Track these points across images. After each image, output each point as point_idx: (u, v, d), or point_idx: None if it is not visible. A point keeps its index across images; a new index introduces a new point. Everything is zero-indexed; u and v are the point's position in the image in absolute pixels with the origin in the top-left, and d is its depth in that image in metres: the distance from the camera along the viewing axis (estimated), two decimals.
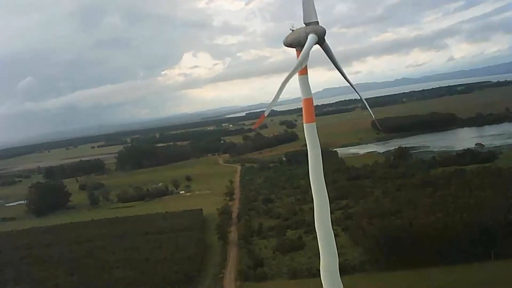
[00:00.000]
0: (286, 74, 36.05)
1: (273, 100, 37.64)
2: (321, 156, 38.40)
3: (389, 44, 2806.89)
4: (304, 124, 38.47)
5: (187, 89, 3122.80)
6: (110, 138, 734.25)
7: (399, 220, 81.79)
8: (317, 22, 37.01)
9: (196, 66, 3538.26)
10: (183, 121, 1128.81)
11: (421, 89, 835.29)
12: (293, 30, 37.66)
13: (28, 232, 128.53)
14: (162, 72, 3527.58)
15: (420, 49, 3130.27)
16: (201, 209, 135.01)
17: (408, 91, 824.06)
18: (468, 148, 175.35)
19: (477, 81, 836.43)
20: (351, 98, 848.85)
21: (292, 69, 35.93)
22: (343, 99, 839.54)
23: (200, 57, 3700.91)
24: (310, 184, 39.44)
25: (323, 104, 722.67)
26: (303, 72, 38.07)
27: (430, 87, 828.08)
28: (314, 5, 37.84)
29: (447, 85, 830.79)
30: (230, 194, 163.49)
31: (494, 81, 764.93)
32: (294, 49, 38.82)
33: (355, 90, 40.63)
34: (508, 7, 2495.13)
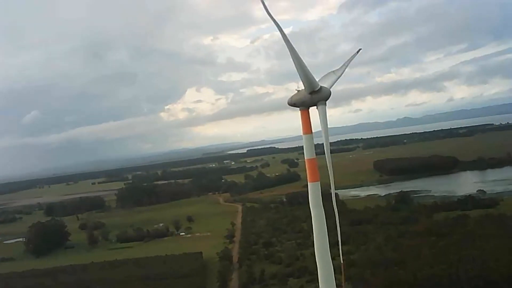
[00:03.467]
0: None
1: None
2: (324, 216, 38.42)
3: (390, 85, 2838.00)
4: (308, 184, 38.61)
5: (190, 126, 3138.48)
6: (111, 174, 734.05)
7: (403, 271, 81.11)
8: (320, 88, 36.97)
9: (199, 101, 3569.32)
10: (185, 157, 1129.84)
11: (423, 130, 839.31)
12: (298, 91, 38.10)
13: (27, 275, 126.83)
14: (166, 107, 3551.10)
15: (419, 90, 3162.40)
16: (201, 253, 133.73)
17: (409, 132, 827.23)
18: (470, 194, 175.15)
19: (479, 123, 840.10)
20: (352, 138, 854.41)
21: (323, 130, 36.66)
22: (344, 139, 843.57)
23: (203, 92, 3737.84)
24: (313, 234, 39.11)
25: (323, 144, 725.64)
26: (308, 131, 38.40)
27: (432, 129, 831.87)
28: (309, 72, 38.42)
29: (449, 127, 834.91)
30: (230, 236, 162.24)
31: (496, 123, 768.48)
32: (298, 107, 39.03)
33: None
34: (508, 51, 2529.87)
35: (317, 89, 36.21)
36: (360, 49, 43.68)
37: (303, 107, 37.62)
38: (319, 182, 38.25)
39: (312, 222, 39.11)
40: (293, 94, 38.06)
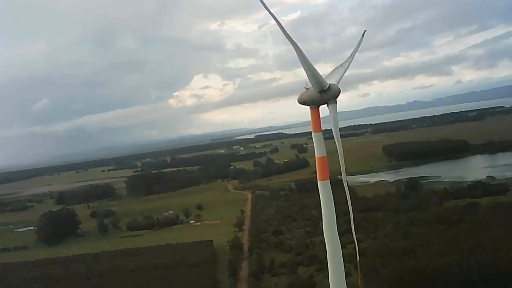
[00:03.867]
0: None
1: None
2: (335, 214, 38.34)
3: (398, 69, 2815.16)
4: (318, 182, 38.51)
5: (198, 112, 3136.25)
6: (120, 162, 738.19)
7: (413, 261, 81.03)
8: (329, 86, 36.60)
9: (207, 87, 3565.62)
10: (194, 143, 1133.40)
11: (432, 114, 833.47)
12: (307, 88, 37.75)
13: (39, 264, 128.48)
14: (174, 94, 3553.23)
15: (426, 74, 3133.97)
16: (212, 241, 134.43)
17: (418, 117, 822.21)
18: (479, 180, 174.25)
19: (489, 106, 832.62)
20: (360, 123, 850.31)
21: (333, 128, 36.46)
22: (352, 124, 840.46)
23: (211, 78, 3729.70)
24: (322, 223, 39.15)
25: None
26: (318, 129, 38.24)
27: (441, 112, 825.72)
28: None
29: (459, 110, 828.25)
30: (240, 224, 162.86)
31: (507, 106, 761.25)
32: (306, 102, 38.81)
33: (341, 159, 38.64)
34: None
35: (326, 88, 35.94)
36: (365, 31, 43.06)
37: (313, 106, 37.43)
38: (329, 180, 38.16)
39: (322, 218, 39.15)
40: (302, 92, 37.84)
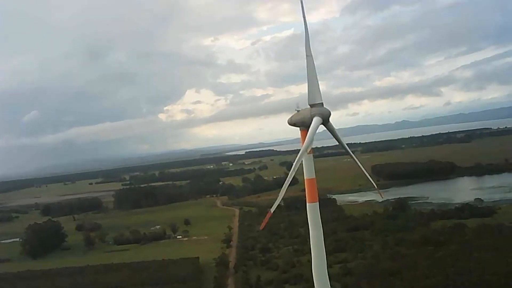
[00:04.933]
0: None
1: (279, 196, 38.03)
2: (323, 236, 38.53)
3: (388, 89, 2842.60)
4: (307, 205, 38.75)
5: (188, 127, 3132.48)
6: (108, 175, 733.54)
7: (399, 281, 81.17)
8: (322, 104, 37.73)
9: (198, 102, 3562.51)
10: (183, 157, 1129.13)
11: (421, 134, 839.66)
12: (298, 111, 38.33)
13: (23, 277, 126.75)
14: (165, 108, 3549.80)
15: (416, 94, 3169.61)
16: (198, 258, 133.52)
17: (407, 137, 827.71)
18: (467, 203, 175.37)
19: (477, 127, 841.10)
20: (351, 142, 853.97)
21: (299, 153, 36.60)
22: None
23: (203, 93, 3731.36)
24: (309, 242, 39.34)
25: (322, 147, 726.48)
26: (309, 152, 38.67)
27: (430, 133, 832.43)
28: (319, 86, 38.76)
29: (447, 131, 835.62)
30: (227, 241, 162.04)
31: (494, 128, 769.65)
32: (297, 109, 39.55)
33: (357, 162, 40.36)
34: (506, 54, 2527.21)
35: (318, 102, 36.71)
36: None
37: (303, 127, 37.93)
38: (318, 202, 38.45)
39: (310, 239, 39.34)
40: (292, 114, 38.41)
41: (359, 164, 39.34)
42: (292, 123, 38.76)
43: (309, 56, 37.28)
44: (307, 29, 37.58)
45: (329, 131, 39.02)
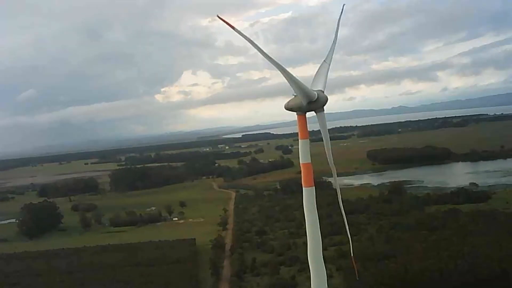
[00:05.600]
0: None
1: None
2: (318, 221, 38.61)
3: (385, 73, 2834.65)
4: (303, 189, 38.77)
5: (185, 109, 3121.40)
6: (104, 155, 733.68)
7: (394, 264, 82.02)
8: (323, 91, 37.50)
9: (195, 84, 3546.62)
10: (180, 139, 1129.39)
11: (417, 119, 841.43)
12: (295, 95, 38.04)
13: (19, 257, 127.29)
14: (162, 89, 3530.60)
15: (412, 79, 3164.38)
16: (194, 239, 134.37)
17: (404, 121, 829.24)
18: (462, 187, 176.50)
19: (474, 113, 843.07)
20: (347, 125, 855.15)
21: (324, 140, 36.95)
22: (339, 126, 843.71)
23: (199, 76, 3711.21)
24: (305, 227, 39.57)
25: (319, 130, 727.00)
26: (304, 136, 38.57)
27: (426, 118, 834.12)
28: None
29: (444, 116, 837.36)
30: (223, 223, 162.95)
31: (490, 113, 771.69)
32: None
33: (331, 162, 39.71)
34: (505, 42, 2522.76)
35: (314, 99, 36.37)
36: (344, 5, 42.87)
37: (300, 112, 37.76)
38: (314, 187, 38.49)
39: (305, 223, 39.50)
40: (289, 99, 38.13)
41: (330, 158, 38.91)
42: (289, 107, 38.42)
43: (274, 61, 36.14)
44: (336, 39, 37.93)
45: (318, 118, 38.46)
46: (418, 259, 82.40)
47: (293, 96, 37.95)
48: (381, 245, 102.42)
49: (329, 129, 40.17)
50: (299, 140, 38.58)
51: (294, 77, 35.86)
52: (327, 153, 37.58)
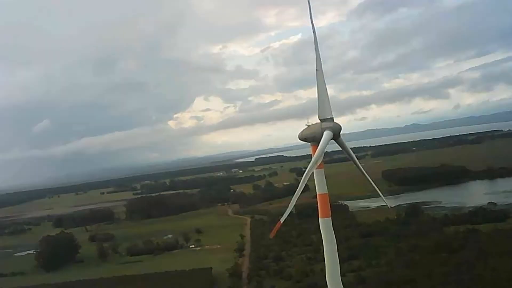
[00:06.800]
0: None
1: (289, 206, 38.04)
2: (337, 252, 38.38)
3: (395, 92, 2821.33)
4: (319, 219, 38.67)
5: (198, 134, 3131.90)
6: (119, 184, 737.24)
7: None
8: (332, 119, 37.80)
9: (207, 109, 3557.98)
10: (193, 165, 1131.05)
11: (431, 137, 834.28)
12: (308, 126, 38.36)
13: None
14: (174, 115, 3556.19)
15: (424, 97, 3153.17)
16: (211, 268, 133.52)
17: (418, 139, 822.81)
18: (481, 206, 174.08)
19: (488, 130, 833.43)
20: (361, 146, 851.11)
21: (308, 166, 36.55)
22: (352, 146, 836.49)
23: (211, 101, 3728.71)
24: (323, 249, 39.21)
25: (332, 151, 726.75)
26: (319, 166, 38.66)
27: (440, 136, 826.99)
28: (329, 102, 38.80)
29: (458, 133, 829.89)
30: (240, 250, 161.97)
31: (505, 129, 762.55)
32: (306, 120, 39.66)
33: (370, 181, 40.65)
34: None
35: (328, 117, 36.73)
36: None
37: (314, 142, 37.95)
38: (330, 218, 38.38)
39: (323, 251, 39.22)
40: (303, 129, 38.43)
41: (368, 177, 39.32)
42: (302, 138, 38.84)
43: (318, 70, 37.33)
44: (317, 43, 37.60)
45: (340, 146, 39.05)
46: (439, 284, 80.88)
47: (307, 126, 38.30)
48: (401, 270, 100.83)
49: (341, 150, 40.72)
50: (314, 171, 38.64)
51: (326, 90, 36.87)
52: (363, 173, 38.40)
